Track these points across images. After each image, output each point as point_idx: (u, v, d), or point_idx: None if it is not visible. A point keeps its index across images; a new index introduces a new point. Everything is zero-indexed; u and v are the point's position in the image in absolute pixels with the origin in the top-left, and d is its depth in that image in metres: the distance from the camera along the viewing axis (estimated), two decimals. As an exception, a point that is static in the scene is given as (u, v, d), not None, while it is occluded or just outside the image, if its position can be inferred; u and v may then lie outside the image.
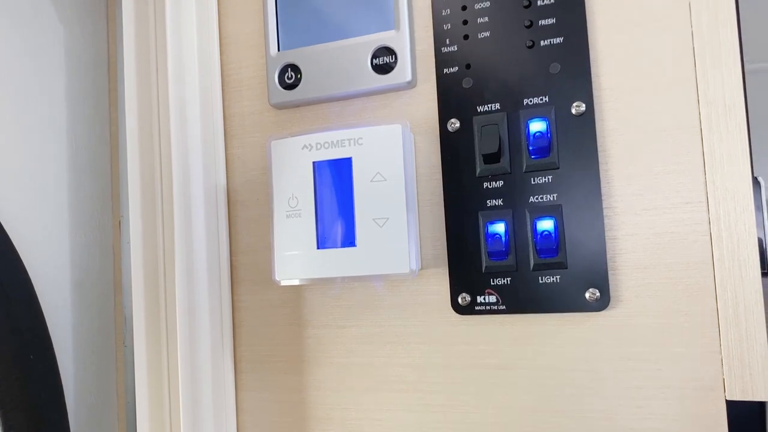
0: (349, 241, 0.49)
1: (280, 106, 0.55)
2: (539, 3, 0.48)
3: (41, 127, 0.58)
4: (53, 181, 0.58)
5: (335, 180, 0.50)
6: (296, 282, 0.51)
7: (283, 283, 0.51)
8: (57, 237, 0.58)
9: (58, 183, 0.59)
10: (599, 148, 0.46)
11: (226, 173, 0.57)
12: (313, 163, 0.50)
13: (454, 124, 0.50)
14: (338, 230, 0.49)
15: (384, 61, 0.51)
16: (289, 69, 0.54)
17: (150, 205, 0.53)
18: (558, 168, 0.47)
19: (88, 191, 0.61)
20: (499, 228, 0.48)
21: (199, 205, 0.54)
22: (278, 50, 0.55)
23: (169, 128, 0.52)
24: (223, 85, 0.57)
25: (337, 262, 0.49)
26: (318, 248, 0.50)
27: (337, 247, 0.49)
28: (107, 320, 0.63)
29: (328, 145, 0.50)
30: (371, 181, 0.48)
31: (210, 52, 0.57)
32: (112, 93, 0.64)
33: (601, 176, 0.46)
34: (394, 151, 0.48)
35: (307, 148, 0.50)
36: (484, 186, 0.48)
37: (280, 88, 0.54)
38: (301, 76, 0.54)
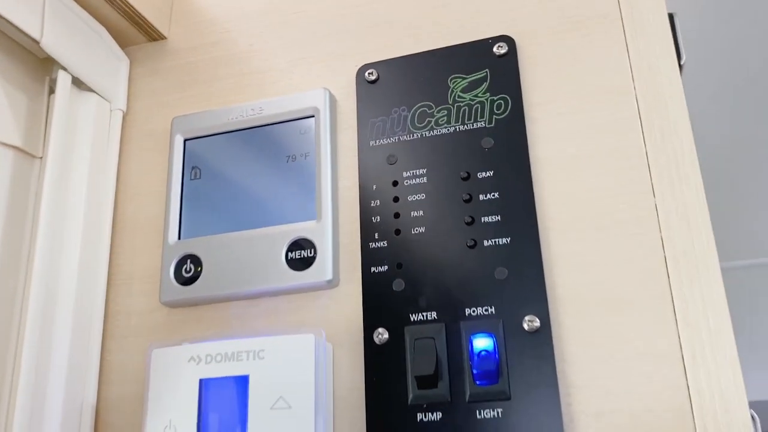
0: (236, 490, 0.37)
1: (173, 305, 0.45)
2: (481, 197, 0.41)
3: None
4: None
5: (226, 405, 0.38)
6: None
7: None
8: None
9: None
10: (559, 376, 0.37)
11: (98, 386, 0.45)
12: (200, 380, 0.39)
13: (381, 335, 0.40)
14: (224, 475, 0.37)
15: (301, 255, 0.43)
16: (189, 261, 0.45)
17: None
18: (509, 399, 0.37)
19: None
20: (436, 478, 0.36)
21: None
22: (178, 238, 0.46)
23: (25, 328, 0.41)
24: (109, 276, 0.48)
25: None
26: (196, 499, 0.37)
27: (220, 499, 0.37)
28: None
29: (221, 358, 0.39)
30: (271, 408, 0.37)
31: (98, 237, 0.48)
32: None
33: (563, 411, 0.36)
34: (304, 369, 0.38)
35: (195, 360, 0.40)
36: (418, 419, 0.38)
37: (175, 282, 0.45)
38: (201, 269, 0.44)
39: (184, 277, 0.45)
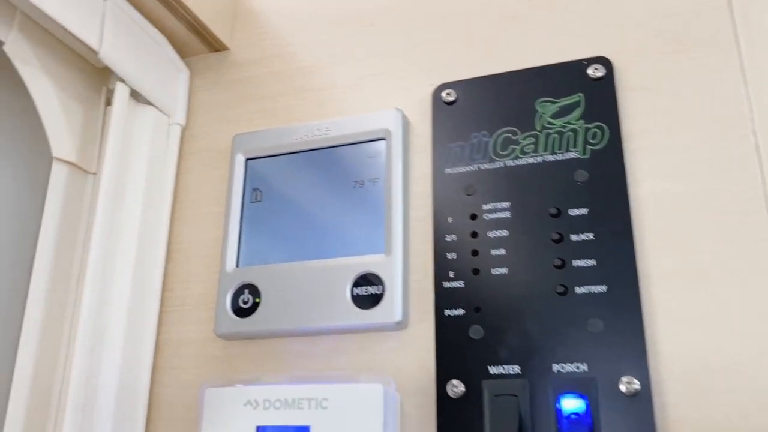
0: None
1: (229, 337, 0.42)
2: (573, 238, 0.37)
3: None
4: None
5: (284, 458, 0.35)
6: None
7: None
8: None
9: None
10: (663, 448, 0.33)
11: (146, 424, 0.42)
12: (258, 428, 0.36)
13: (456, 387, 0.36)
14: None
15: (367, 291, 0.39)
16: (247, 290, 0.42)
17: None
18: (604, 472, 0.32)
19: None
20: None
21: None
22: (236, 266, 0.43)
23: (74, 354, 0.39)
24: (162, 303, 0.45)
25: None
26: None
27: None
28: None
29: (280, 405, 0.36)
30: (334, 466, 0.34)
31: (152, 259, 0.45)
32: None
33: (666, 490, 0.32)
34: (371, 422, 0.34)
35: (252, 405, 0.36)
36: (496, 487, 0.34)
37: (231, 313, 0.42)
38: (259, 300, 0.41)
39: (241, 307, 0.42)
